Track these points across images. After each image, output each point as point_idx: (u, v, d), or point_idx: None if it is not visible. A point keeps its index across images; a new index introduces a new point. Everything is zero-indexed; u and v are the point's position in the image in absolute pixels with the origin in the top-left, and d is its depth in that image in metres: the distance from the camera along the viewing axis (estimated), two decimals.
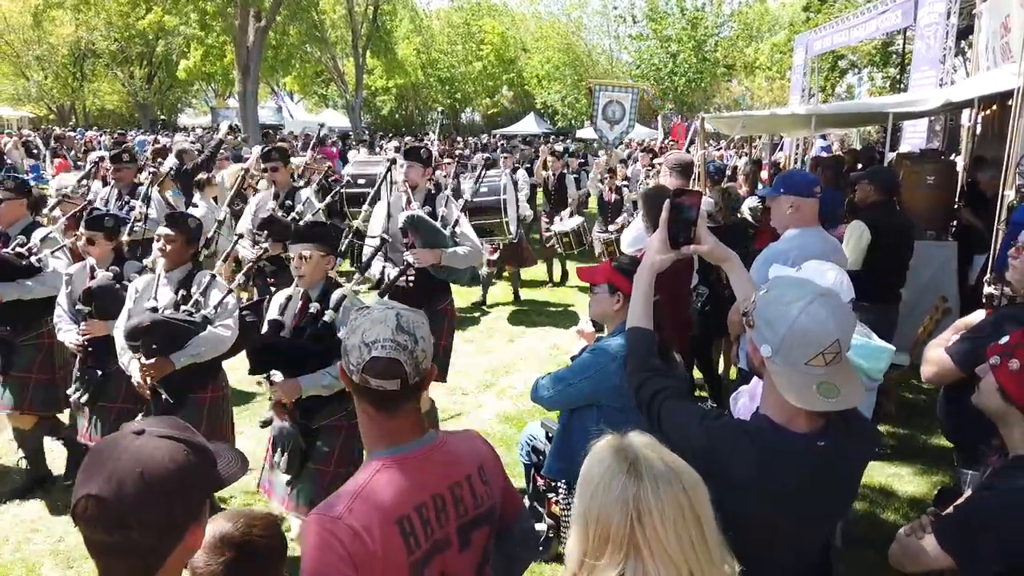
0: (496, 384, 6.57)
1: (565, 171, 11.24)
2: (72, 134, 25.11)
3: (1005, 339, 2.14)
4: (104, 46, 37.08)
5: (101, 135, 26.84)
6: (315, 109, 46.12)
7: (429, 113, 45.48)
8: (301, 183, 5.69)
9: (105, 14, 34.37)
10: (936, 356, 2.95)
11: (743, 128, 10.76)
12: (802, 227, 3.63)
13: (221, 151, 10.41)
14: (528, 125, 36.99)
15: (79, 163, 16.26)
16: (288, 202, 5.55)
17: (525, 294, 9.72)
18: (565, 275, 10.51)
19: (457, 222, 4.69)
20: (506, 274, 9.98)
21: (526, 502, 4.06)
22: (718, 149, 17.47)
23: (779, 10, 36.86)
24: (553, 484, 3.46)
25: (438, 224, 4.59)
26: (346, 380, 1.65)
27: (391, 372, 1.58)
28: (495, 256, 8.88)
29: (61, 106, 40.28)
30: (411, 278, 4.40)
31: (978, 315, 3.14)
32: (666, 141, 23.87)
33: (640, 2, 35.65)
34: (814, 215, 3.66)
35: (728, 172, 11.02)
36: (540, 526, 3.84)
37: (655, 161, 12.20)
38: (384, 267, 4.61)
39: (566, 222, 10.18)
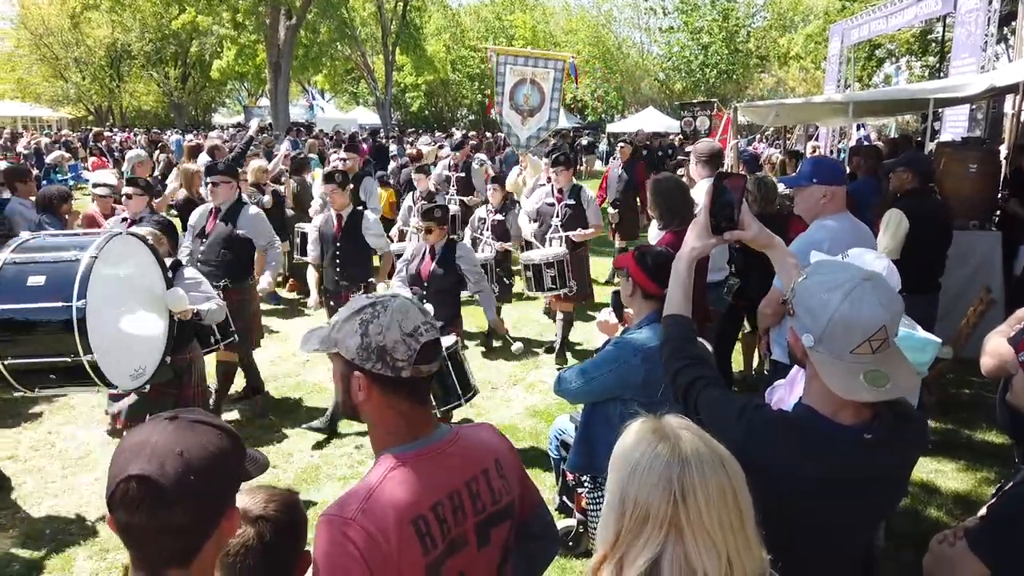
0: (525, 379, 6.51)
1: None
2: (109, 134, 25.79)
3: None
4: (139, 47, 37.75)
5: (136, 135, 27.45)
6: (346, 107, 46.45)
7: (459, 109, 45.47)
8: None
9: (140, 15, 34.93)
10: (996, 347, 2.72)
11: (777, 117, 10.57)
12: (834, 214, 3.56)
13: (252, 147, 10.58)
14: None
15: (120, 161, 16.91)
16: None
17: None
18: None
19: None
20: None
21: (556, 497, 4.03)
22: (750, 143, 17.19)
23: None
24: (580, 479, 3.40)
25: None
26: (378, 385, 1.54)
27: (435, 353, 1.57)
28: None
29: (99, 107, 41.10)
30: None
31: None
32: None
33: None
34: (844, 202, 3.60)
35: (761, 162, 10.84)
36: (570, 521, 3.80)
37: (683, 156, 10.52)
38: None
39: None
